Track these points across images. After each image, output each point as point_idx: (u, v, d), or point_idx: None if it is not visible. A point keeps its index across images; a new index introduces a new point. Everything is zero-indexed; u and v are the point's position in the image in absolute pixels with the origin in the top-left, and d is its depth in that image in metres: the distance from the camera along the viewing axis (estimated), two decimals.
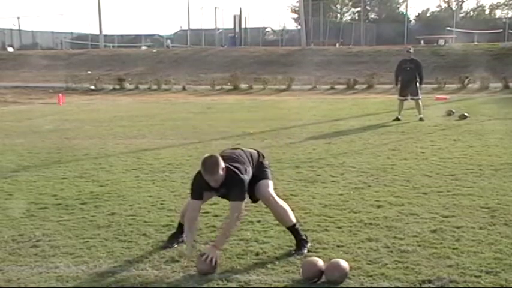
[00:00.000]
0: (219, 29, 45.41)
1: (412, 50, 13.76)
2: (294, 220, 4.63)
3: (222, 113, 15.69)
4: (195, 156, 8.88)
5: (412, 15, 59.64)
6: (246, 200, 4.50)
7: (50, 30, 50.07)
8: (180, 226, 4.77)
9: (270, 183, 4.68)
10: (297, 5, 48.08)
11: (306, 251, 4.51)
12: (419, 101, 13.19)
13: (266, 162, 4.82)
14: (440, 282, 3.87)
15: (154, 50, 38.79)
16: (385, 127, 12.20)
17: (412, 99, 13.19)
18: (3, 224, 5.40)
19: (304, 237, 4.62)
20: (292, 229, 4.61)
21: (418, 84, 13.20)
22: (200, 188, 4.42)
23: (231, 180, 4.33)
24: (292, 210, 5.64)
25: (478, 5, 65.40)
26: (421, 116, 13.03)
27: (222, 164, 4.29)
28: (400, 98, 13.34)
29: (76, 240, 4.89)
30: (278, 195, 6.20)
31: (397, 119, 12.99)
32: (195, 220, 4.51)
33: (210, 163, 4.27)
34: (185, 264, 4.29)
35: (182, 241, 4.71)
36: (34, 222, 5.44)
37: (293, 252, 4.50)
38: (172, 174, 7.60)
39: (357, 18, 57.10)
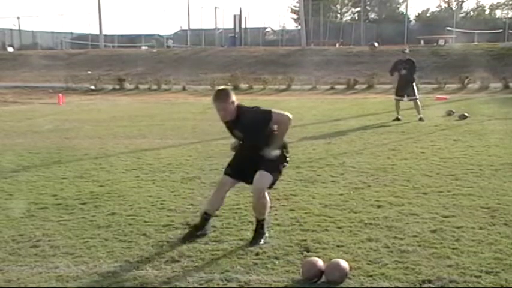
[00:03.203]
0: (219, 29, 45.39)
1: (407, 51, 13.82)
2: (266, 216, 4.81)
3: None
4: (195, 156, 8.89)
5: (412, 15, 59.74)
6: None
7: (50, 30, 50.06)
8: (203, 216, 4.89)
9: (269, 177, 4.71)
10: (297, 5, 48.12)
11: (261, 242, 4.67)
12: (417, 101, 13.21)
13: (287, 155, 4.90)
14: (440, 282, 3.87)
15: (155, 50, 38.80)
16: (385, 127, 12.20)
17: (409, 100, 13.21)
18: (3, 224, 5.40)
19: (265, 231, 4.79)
20: (259, 223, 4.78)
21: (414, 84, 13.28)
22: (226, 126, 4.85)
23: (247, 113, 4.65)
24: (293, 210, 5.68)
25: (478, 5, 65.53)
26: (421, 116, 13.03)
27: (233, 98, 4.63)
28: (396, 98, 13.44)
29: (76, 240, 4.89)
30: (278, 195, 6.23)
31: (397, 119, 13.01)
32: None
33: (220, 91, 4.74)
34: (185, 264, 4.29)
35: (202, 234, 4.84)
36: (34, 222, 5.44)
37: (249, 243, 4.66)
38: (172, 174, 7.60)
39: (356, 18, 57.12)
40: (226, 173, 4.95)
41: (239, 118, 4.67)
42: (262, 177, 4.67)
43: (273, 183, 4.81)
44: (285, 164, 4.89)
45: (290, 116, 4.75)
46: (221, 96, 4.64)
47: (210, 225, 4.99)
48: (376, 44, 13.85)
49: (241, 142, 4.93)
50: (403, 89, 13.25)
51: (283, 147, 4.85)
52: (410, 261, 4.23)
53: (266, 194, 4.75)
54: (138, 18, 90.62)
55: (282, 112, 4.72)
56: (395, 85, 13.71)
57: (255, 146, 4.69)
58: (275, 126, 4.69)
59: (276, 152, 4.61)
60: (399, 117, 13.06)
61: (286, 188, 6.60)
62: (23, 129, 12.76)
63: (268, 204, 4.81)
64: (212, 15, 57.74)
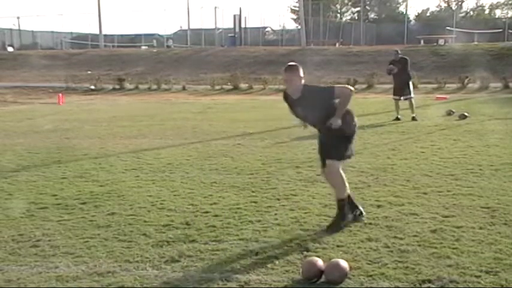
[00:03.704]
0: (219, 29, 45.39)
1: (399, 51, 13.90)
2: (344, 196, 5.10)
3: (222, 113, 15.69)
4: (195, 156, 8.89)
5: (412, 15, 59.76)
6: None
7: (50, 30, 50.09)
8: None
9: (335, 163, 5.10)
10: (297, 5, 48.10)
11: (342, 225, 5.02)
12: (412, 100, 13.26)
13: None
14: (440, 282, 3.87)
15: (155, 50, 38.80)
16: (385, 127, 12.20)
17: (405, 99, 13.26)
18: (3, 224, 5.40)
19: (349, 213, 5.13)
20: (338, 203, 5.11)
21: (410, 83, 13.40)
22: (287, 102, 5.14)
23: (310, 91, 4.95)
24: (293, 210, 5.68)
25: (478, 4, 65.45)
26: (414, 115, 13.07)
27: (302, 73, 4.96)
28: (394, 98, 13.54)
29: (76, 240, 4.89)
30: (278, 195, 6.24)
31: (397, 118, 13.04)
32: None
33: (291, 64, 5.07)
34: (185, 264, 4.29)
35: (360, 213, 5.25)
36: (34, 222, 5.44)
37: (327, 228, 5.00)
38: (172, 174, 7.60)
39: (356, 18, 57.12)
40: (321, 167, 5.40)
41: (303, 96, 4.96)
42: (329, 166, 5.13)
43: (345, 157, 5.17)
44: (352, 131, 5.14)
45: (352, 88, 5.09)
46: (291, 68, 5.01)
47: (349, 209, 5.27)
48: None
49: (299, 123, 5.33)
50: (400, 88, 13.35)
51: (348, 115, 5.07)
52: (410, 261, 4.23)
53: (340, 170, 5.11)
54: (138, 18, 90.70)
55: (343, 85, 5.09)
56: (393, 85, 13.76)
57: (320, 123, 5.03)
58: (337, 100, 4.93)
59: (339, 122, 4.87)
60: (399, 116, 13.08)
61: (286, 188, 6.61)
62: (23, 129, 12.76)
63: (344, 181, 5.14)
64: (212, 15, 57.57)
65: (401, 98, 13.29)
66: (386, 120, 13.27)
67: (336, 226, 5.00)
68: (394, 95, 13.55)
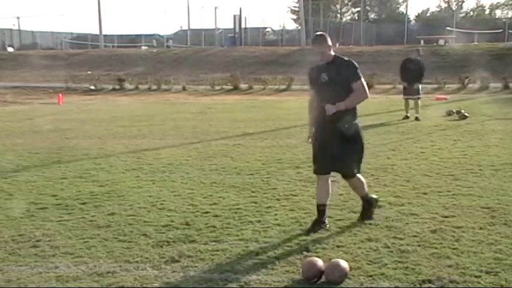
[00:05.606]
0: (219, 29, 45.40)
1: (421, 52, 13.97)
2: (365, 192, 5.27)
3: (222, 113, 15.70)
4: (195, 156, 8.89)
5: (412, 15, 59.71)
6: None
7: (50, 30, 50.19)
8: (319, 210, 5.10)
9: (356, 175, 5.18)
10: (297, 5, 48.11)
11: (372, 217, 5.23)
12: (419, 101, 13.29)
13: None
14: (440, 283, 3.87)
15: (155, 50, 38.80)
16: (385, 127, 12.21)
17: (412, 98, 13.30)
18: (3, 224, 5.40)
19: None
20: (363, 200, 5.29)
21: (420, 85, 13.40)
22: (311, 76, 5.13)
23: (341, 62, 4.98)
24: (293, 210, 5.68)
25: (478, 5, 65.47)
26: (417, 115, 13.12)
27: (330, 42, 4.99)
28: (404, 97, 13.62)
29: (76, 240, 4.89)
30: (278, 195, 6.24)
31: (406, 117, 13.22)
32: (314, 104, 5.20)
33: (318, 35, 5.08)
34: (185, 264, 4.29)
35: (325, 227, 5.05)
36: (34, 222, 5.44)
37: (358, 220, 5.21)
38: (172, 174, 7.60)
39: (356, 18, 57.11)
40: (315, 173, 5.20)
41: (333, 62, 5.00)
42: (349, 181, 5.22)
43: (359, 170, 5.16)
44: (352, 133, 5.05)
45: (368, 96, 5.12)
46: (319, 40, 5.02)
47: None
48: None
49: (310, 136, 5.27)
50: (411, 88, 13.37)
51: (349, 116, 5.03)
52: (410, 261, 4.23)
53: (358, 176, 5.17)
54: (138, 18, 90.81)
55: (366, 88, 5.06)
56: (404, 84, 13.68)
57: (333, 97, 4.92)
58: (353, 91, 4.97)
59: (333, 110, 4.89)
60: (408, 115, 13.26)
61: (286, 188, 6.61)
62: (23, 129, 12.76)
63: (363, 180, 5.26)
64: (212, 15, 57.74)
65: (410, 97, 13.36)
66: (386, 120, 13.27)
67: (367, 215, 5.25)
68: (404, 94, 13.64)
